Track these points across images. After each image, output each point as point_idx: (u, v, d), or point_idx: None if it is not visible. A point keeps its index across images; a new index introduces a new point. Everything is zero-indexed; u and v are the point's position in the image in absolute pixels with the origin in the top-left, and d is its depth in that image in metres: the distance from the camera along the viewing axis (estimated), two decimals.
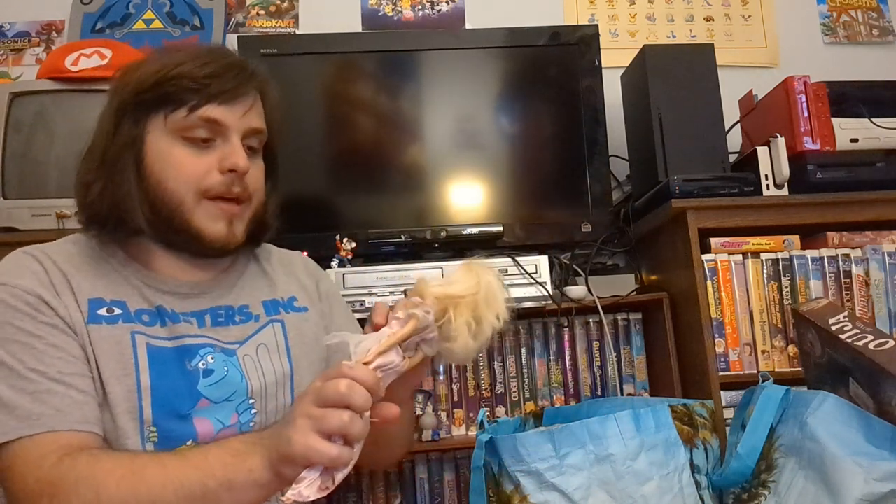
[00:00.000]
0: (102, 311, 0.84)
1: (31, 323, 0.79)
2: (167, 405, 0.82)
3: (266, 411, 0.89)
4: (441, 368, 1.53)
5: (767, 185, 1.43)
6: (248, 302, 0.94)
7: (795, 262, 1.42)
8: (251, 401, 0.88)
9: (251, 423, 0.87)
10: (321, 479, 0.66)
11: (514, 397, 1.54)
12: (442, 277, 0.74)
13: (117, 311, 0.84)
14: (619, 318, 1.57)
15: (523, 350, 1.55)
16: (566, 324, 1.55)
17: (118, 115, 0.86)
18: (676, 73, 1.51)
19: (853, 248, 1.44)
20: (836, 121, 1.45)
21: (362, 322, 0.93)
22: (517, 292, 1.39)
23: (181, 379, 0.84)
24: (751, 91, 1.66)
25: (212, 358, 0.86)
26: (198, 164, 0.86)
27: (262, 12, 1.89)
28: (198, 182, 0.86)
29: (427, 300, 0.72)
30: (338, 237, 1.41)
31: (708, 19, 1.98)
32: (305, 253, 1.10)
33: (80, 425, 0.77)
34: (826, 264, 1.42)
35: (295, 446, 0.66)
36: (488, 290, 0.75)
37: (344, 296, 1.31)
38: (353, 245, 1.40)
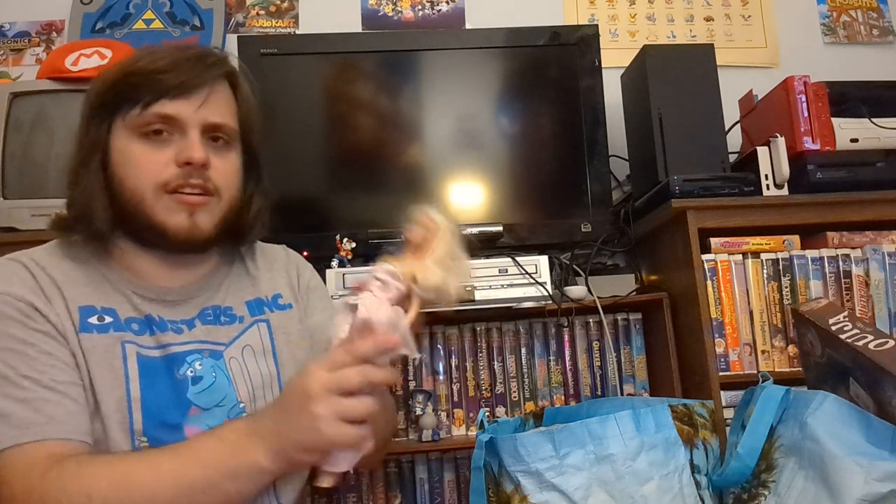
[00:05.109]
0: (93, 320, 0.83)
1: (23, 330, 0.78)
2: (157, 416, 0.82)
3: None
4: (441, 368, 1.54)
5: (767, 185, 1.43)
6: (233, 303, 0.94)
7: (795, 262, 1.42)
8: (241, 405, 0.87)
9: None
10: (352, 454, 0.74)
11: (514, 397, 1.54)
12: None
13: (108, 318, 0.84)
14: (619, 318, 1.57)
15: (523, 350, 1.55)
16: (566, 324, 1.55)
17: (85, 120, 0.87)
18: (676, 73, 1.51)
19: (853, 248, 1.44)
20: (836, 121, 1.45)
21: None
22: (517, 292, 1.39)
23: (170, 389, 0.83)
24: (751, 91, 1.66)
25: (199, 365, 0.86)
26: (155, 159, 0.85)
27: (262, 12, 1.89)
28: (156, 177, 0.85)
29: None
30: (338, 237, 1.41)
31: (708, 19, 1.98)
32: (305, 253, 1.09)
33: (72, 434, 0.77)
34: (826, 264, 1.42)
35: (325, 436, 0.70)
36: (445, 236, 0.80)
37: (344, 296, 1.30)
38: (353, 245, 1.40)
